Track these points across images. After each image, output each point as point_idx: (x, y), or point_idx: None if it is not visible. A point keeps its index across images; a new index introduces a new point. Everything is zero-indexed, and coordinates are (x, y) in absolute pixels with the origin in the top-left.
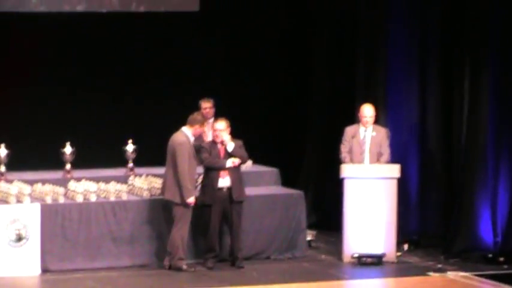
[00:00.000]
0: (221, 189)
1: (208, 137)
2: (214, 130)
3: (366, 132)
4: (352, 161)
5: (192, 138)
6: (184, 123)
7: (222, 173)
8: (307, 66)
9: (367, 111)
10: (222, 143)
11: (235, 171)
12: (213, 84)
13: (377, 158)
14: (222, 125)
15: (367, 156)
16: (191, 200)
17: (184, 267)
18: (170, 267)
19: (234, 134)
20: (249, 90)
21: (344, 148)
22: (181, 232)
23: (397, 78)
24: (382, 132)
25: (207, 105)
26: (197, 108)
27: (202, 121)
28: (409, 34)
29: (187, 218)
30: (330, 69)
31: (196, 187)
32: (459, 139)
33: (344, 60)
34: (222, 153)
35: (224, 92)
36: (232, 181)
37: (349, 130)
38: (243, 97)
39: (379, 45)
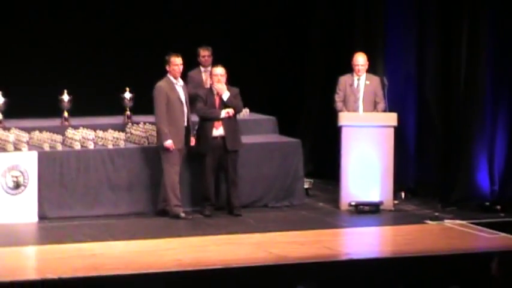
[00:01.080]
0: (215, 138)
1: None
2: (213, 75)
3: (360, 81)
4: (346, 109)
5: (175, 81)
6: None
7: (216, 123)
8: (306, 16)
9: (360, 59)
10: (218, 92)
11: (229, 121)
12: (211, 33)
13: (373, 107)
14: (221, 70)
15: (360, 104)
16: (168, 143)
17: (182, 214)
18: (161, 213)
19: (232, 83)
20: (247, 40)
21: (338, 97)
22: (167, 178)
23: (396, 28)
24: (376, 81)
25: (205, 53)
26: (195, 55)
27: (168, 59)
28: None
29: (171, 163)
30: (328, 19)
31: (194, 135)
32: (457, 89)
33: (343, 10)
34: (217, 103)
35: (222, 40)
36: (226, 131)
37: (342, 79)
38: (241, 46)
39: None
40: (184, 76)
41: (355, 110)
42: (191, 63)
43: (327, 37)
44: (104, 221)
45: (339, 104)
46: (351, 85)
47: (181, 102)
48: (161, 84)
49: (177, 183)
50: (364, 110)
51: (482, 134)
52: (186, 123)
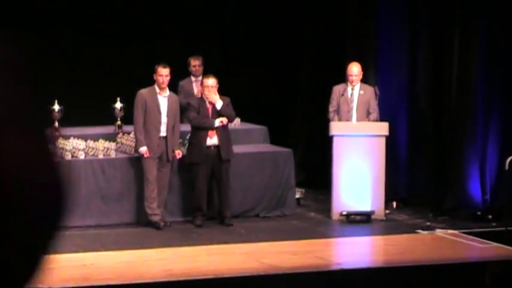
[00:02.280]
0: (209, 148)
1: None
2: (205, 87)
3: (354, 91)
4: (339, 119)
5: (159, 90)
6: (171, 81)
7: (210, 132)
8: (298, 26)
9: (354, 69)
10: (210, 102)
11: (223, 130)
12: (202, 43)
13: (366, 117)
14: (213, 81)
15: (354, 114)
16: (141, 150)
17: (159, 223)
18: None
19: (223, 92)
20: (238, 49)
21: (331, 107)
22: (145, 186)
23: (388, 37)
24: (370, 91)
25: (196, 63)
26: (185, 65)
27: (156, 69)
28: None
29: (146, 171)
30: (320, 29)
31: (183, 145)
32: (449, 98)
33: (334, 19)
34: (210, 112)
35: (214, 50)
36: (220, 140)
37: (336, 89)
38: (232, 55)
39: (370, 5)
40: (175, 85)
41: (348, 119)
42: (181, 73)
43: (318, 47)
44: (95, 231)
45: (331, 114)
46: (345, 95)
47: (160, 112)
48: (142, 91)
49: (151, 192)
50: (358, 120)
51: (473, 144)
52: (164, 133)
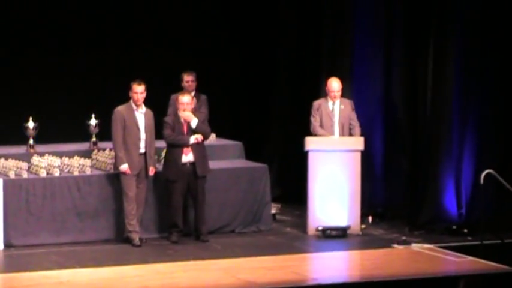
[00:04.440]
0: (185, 165)
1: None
2: (180, 104)
3: (334, 106)
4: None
5: (136, 107)
6: (147, 97)
7: (185, 149)
8: (273, 39)
9: (335, 85)
10: (185, 120)
11: (198, 146)
12: (176, 59)
13: (348, 130)
14: (188, 98)
15: (336, 129)
16: (123, 167)
17: (135, 241)
18: (128, 239)
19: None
20: (213, 64)
21: (315, 121)
22: (124, 203)
23: (363, 50)
24: (349, 105)
25: (189, 78)
26: (164, 82)
27: (131, 86)
28: (375, 6)
29: (125, 189)
30: (295, 42)
31: (159, 161)
32: (424, 111)
33: (310, 32)
34: (185, 129)
35: (189, 65)
36: (196, 157)
37: (317, 103)
38: (207, 70)
39: (344, 18)
40: (168, 98)
41: (331, 134)
42: (154, 88)
43: (293, 62)
44: (71, 248)
45: (317, 128)
46: (326, 110)
47: (138, 128)
48: (119, 109)
49: (132, 209)
50: (340, 134)
51: (449, 157)
52: (143, 150)
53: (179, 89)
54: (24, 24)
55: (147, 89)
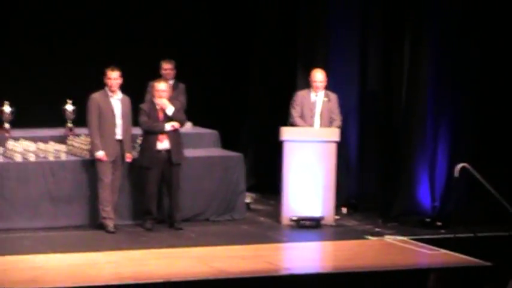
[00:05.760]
0: (160, 152)
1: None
2: (155, 91)
3: (317, 97)
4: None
5: (111, 94)
6: (123, 83)
7: (160, 136)
8: (250, 29)
9: (318, 76)
10: (161, 107)
11: (174, 134)
12: (153, 47)
13: (329, 123)
14: (164, 85)
15: (317, 120)
16: (99, 154)
17: (109, 227)
18: (101, 225)
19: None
20: (190, 53)
21: (295, 112)
22: (99, 190)
23: (339, 42)
24: (334, 98)
25: (167, 66)
26: (143, 69)
27: (105, 72)
28: None
29: (100, 174)
30: (271, 33)
31: (134, 148)
32: (399, 103)
33: (285, 24)
34: (160, 116)
35: (167, 54)
36: (171, 144)
37: (300, 94)
38: (184, 60)
39: (320, 9)
40: (146, 85)
41: (311, 125)
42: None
43: (270, 52)
44: (44, 233)
45: (297, 119)
46: (308, 101)
47: (114, 115)
48: (95, 95)
49: (107, 195)
50: (321, 126)
51: (423, 150)
52: (119, 137)
53: (158, 76)
54: (1, 10)
55: (126, 76)
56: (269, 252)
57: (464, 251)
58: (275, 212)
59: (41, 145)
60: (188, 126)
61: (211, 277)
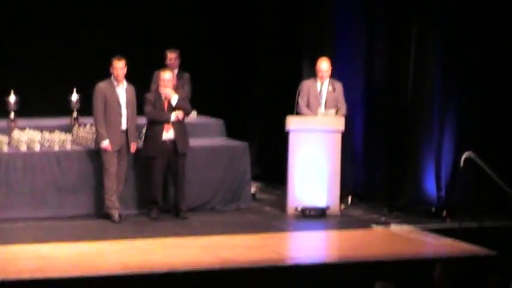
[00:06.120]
0: (165, 142)
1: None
2: (160, 81)
3: (323, 87)
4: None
5: (117, 83)
6: (128, 73)
7: (166, 126)
8: (255, 19)
9: (323, 65)
10: (166, 97)
11: (179, 124)
12: (159, 36)
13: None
14: (169, 75)
15: (323, 109)
16: (104, 144)
17: (114, 217)
18: (107, 215)
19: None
20: (195, 43)
21: (302, 102)
22: (104, 179)
23: (345, 33)
24: (339, 86)
25: (172, 56)
26: (149, 59)
27: (111, 62)
28: None
29: (106, 165)
30: (277, 23)
31: (140, 138)
32: (405, 93)
33: (292, 14)
34: (166, 106)
35: (170, 44)
36: (177, 134)
37: (306, 83)
38: (189, 49)
39: (327, 1)
40: (151, 75)
41: (317, 115)
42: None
43: (275, 41)
44: (50, 223)
45: (303, 108)
46: (314, 90)
47: (120, 104)
48: (101, 85)
49: (112, 185)
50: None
51: (429, 140)
52: (124, 126)
53: (163, 66)
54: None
55: (132, 66)
56: (275, 241)
57: (470, 241)
58: (281, 202)
59: (47, 135)
60: (193, 115)
61: (216, 266)
